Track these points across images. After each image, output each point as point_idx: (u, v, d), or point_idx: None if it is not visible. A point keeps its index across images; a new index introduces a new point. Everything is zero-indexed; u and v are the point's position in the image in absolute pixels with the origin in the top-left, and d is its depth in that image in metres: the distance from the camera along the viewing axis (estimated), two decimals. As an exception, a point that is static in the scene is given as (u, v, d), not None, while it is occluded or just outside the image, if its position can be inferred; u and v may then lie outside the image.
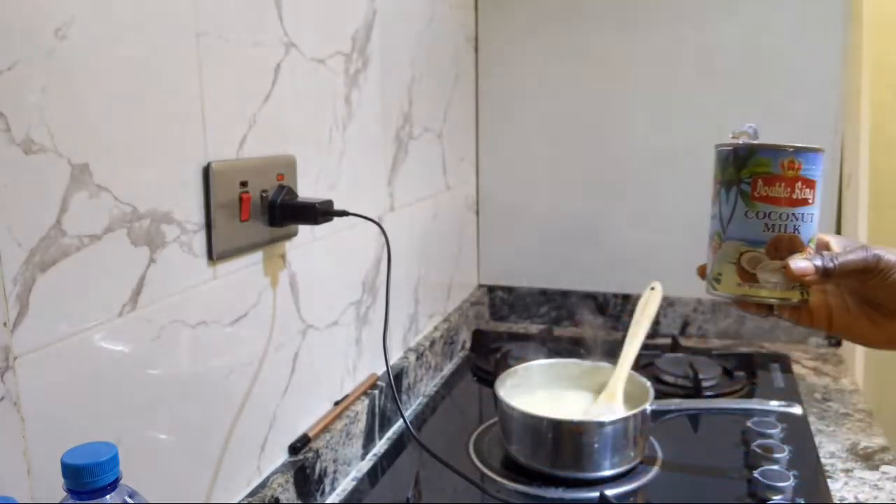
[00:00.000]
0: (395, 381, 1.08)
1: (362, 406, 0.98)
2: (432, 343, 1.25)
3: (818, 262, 0.57)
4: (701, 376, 1.17)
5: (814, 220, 0.59)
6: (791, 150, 0.57)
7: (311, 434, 0.86)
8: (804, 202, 0.58)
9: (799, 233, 0.58)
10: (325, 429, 0.89)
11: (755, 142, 0.59)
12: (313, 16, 0.85)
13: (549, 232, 1.53)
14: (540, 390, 1.06)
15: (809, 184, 0.58)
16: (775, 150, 0.58)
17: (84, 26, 0.53)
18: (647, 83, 1.42)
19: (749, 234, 0.59)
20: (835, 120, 1.34)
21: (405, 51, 1.13)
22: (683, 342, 1.39)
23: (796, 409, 0.94)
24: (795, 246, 0.58)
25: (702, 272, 0.66)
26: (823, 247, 0.61)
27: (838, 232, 1.40)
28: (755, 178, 0.58)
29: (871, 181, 1.55)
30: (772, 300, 0.59)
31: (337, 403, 0.95)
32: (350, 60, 0.94)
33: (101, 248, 0.56)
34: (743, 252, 0.59)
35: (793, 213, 0.58)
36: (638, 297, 1.12)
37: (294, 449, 0.84)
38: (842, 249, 0.60)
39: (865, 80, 1.51)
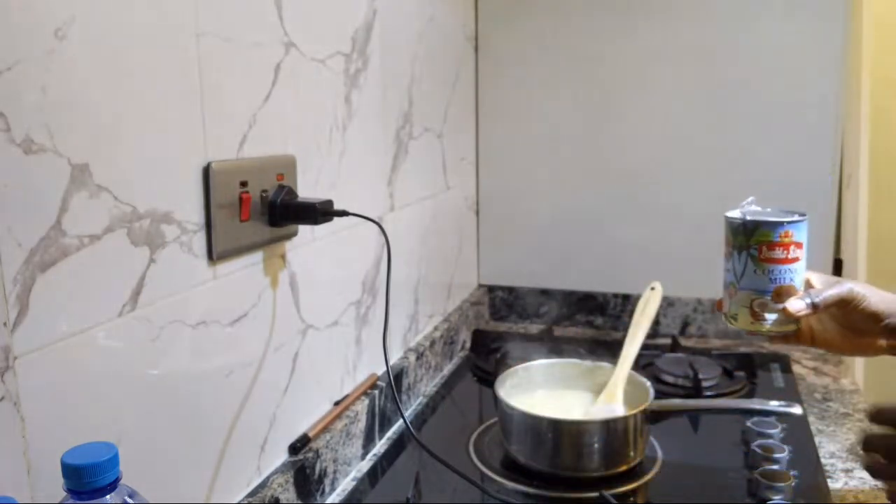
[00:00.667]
0: (395, 381, 1.08)
1: (362, 406, 0.98)
2: (432, 343, 1.25)
3: (808, 301, 0.74)
4: (701, 376, 1.17)
5: (803, 269, 0.77)
6: (786, 223, 0.75)
7: (311, 434, 0.86)
8: (796, 259, 0.75)
9: (794, 282, 0.76)
10: (325, 429, 0.89)
11: (759, 218, 0.76)
12: (313, 16, 0.85)
13: (549, 232, 1.53)
14: (540, 390, 1.06)
15: (799, 245, 0.75)
16: (774, 224, 0.75)
17: (84, 26, 0.53)
18: (647, 83, 1.42)
19: (758, 286, 0.76)
20: (835, 120, 1.34)
21: (405, 51, 1.13)
22: (683, 342, 1.39)
23: (796, 409, 0.94)
24: (792, 291, 0.75)
25: (719, 306, 0.81)
26: (808, 285, 0.78)
27: (838, 232, 1.40)
28: (760, 245, 0.75)
29: (871, 181, 1.55)
30: (774, 332, 0.78)
31: (337, 403, 0.95)
32: (350, 60, 0.94)
33: (101, 248, 0.56)
34: (754, 299, 0.76)
35: (789, 269, 0.75)
36: (638, 297, 1.12)
37: (294, 449, 0.84)
38: (822, 285, 0.77)
39: (865, 80, 1.51)
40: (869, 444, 0.69)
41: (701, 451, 1.02)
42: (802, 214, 0.76)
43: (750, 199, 0.80)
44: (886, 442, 0.68)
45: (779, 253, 0.74)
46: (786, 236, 0.74)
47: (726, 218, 0.78)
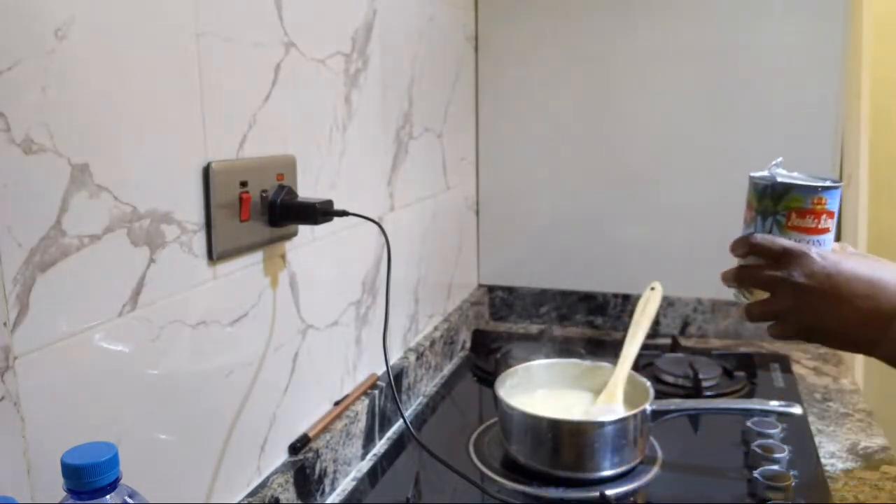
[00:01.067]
0: (395, 381, 1.08)
1: (362, 406, 0.98)
2: (432, 343, 1.25)
3: None
4: (701, 376, 1.17)
5: (831, 243, 0.70)
6: (821, 188, 0.68)
7: (311, 434, 0.86)
8: (826, 231, 0.69)
9: None
10: (325, 429, 0.89)
11: (791, 181, 0.69)
12: (313, 16, 0.85)
13: (549, 232, 1.53)
14: (540, 390, 1.06)
15: (831, 215, 0.68)
16: (808, 189, 0.68)
17: (84, 26, 0.53)
18: (647, 83, 1.42)
19: None
20: (835, 120, 1.34)
21: (405, 51, 1.13)
22: (683, 342, 1.39)
23: (796, 409, 0.94)
24: None
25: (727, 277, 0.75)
26: None
27: (838, 231, 1.40)
28: (790, 211, 0.68)
29: (871, 181, 1.55)
30: None
31: (337, 403, 0.95)
32: (350, 60, 0.94)
33: (101, 248, 0.56)
34: None
35: (817, 240, 0.68)
36: (638, 297, 1.12)
37: (294, 449, 0.84)
38: None
39: (865, 80, 1.51)
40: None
41: (701, 451, 1.02)
42: (836, 181, 0.69)
43: (779, 159, 0.73)
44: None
45: (809, 221, 0.68)
46: (818, 203, 0.68)
47: (751, 178, 0.72)
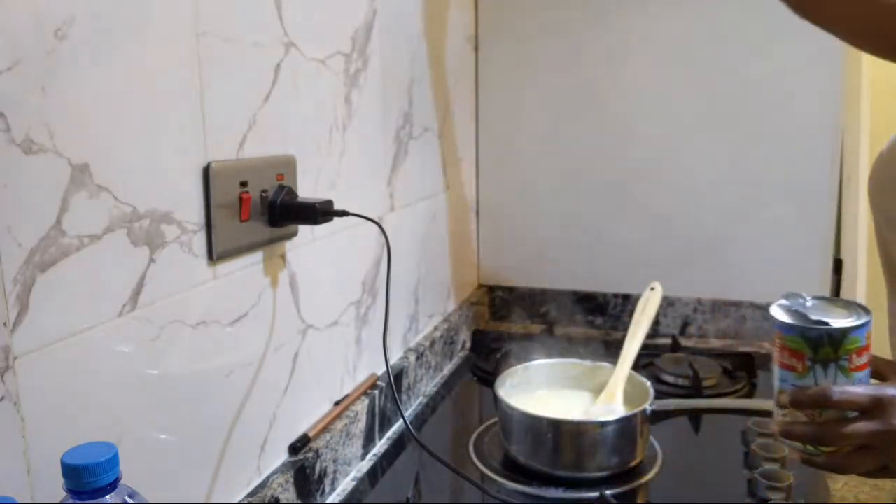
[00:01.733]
0: (395, 381, 1.08)
1: (362, 406, 0.98)
2: (432, 343, 1.25)
3: None
4: (701, 376, 1.17)
5: None
6: (868, 322, 0.65)
7: (311, 434, 0.86)
8: (871, 362, 0.66)
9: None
10: (325, 429, 0.89)
11: (846, 324, 0.64)
12: (313, 16, 0.85)
13: (549, 232, 1.53)
14: (540, 390, 1.06)
15: (871, 346, 0.66)
16: (860, 328, 0.64)
17: (84, 26, 0.53)
18: (648, 83, 1.42)
19: None
20: (835, 121, 1.34)
21: (405, 51, 1.13)
22: (683, 342, 1.39)
23: (796, 409, 0.94)
24: None
25: (789, 436, 0.68)
26: (881, 377, 0.67)
27: (838, 232, 1.40)
28: (850, 354, 0.64)
29: (871, 181, 1.54)
30: None
31: (337, 403, 0.95)
32: (350, 60, 0.94)
33: (101, 248, 0.56)
34: None
35: (869, 372, 0.65)
36: (638, 297, 1.12)
37: (294, 449, 0.84)
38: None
39: (865, 80, 1.51)
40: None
41: (701, 451, 1.02)
42: (867, 308, 0.66)
43: (809, 296, 0.68)
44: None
45: (865, 358, 0.65)
46: (869, 338, 0.65)
47: (796, 326, 0.65)
